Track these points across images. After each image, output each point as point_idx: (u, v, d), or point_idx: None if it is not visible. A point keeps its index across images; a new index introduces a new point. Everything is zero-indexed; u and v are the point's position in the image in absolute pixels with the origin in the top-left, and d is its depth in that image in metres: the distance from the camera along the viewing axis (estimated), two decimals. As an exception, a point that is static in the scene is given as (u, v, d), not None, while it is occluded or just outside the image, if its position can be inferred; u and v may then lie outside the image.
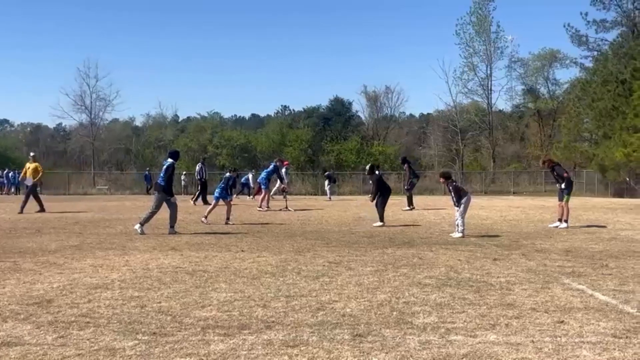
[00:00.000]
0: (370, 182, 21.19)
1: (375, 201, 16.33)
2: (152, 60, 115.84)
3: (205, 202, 25.72)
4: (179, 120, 77.71)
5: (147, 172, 45.88)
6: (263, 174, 23.51)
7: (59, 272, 8.55)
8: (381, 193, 16.26)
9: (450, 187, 13.55)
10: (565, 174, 15.84)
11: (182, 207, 21.47)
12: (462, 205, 13.21)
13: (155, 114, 71.26)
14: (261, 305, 6.42)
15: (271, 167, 23.47)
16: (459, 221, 13.25)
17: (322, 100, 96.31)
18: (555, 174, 16.10)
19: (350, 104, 65.86)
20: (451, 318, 5.87)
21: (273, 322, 5.73)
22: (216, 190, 17.41)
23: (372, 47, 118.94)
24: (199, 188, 27.38)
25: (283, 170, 30.20)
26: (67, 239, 12.73)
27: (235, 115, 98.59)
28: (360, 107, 70.95)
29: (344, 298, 6.78)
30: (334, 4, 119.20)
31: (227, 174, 17.92)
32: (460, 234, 13.11)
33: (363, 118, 69.05)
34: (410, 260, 9.64)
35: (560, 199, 15.80)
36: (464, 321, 5.75)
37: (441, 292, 7.09)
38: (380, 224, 15.74)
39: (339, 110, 64.62)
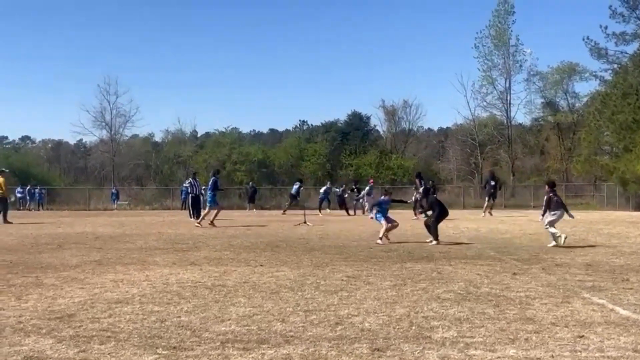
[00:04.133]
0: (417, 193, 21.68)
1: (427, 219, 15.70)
2: (172, 76, 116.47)
3: (199, 216, 25.03)
4: (198, 135, 78.14)
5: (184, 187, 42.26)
6: (208, 192, 22.53)
7: (80, 287, 8.64)
8: (432, 209, 15.58)
9: (550, 196, 14.30)
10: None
11: (192, 222, 21.60)
12: (552, 215, 14.13)
13: (174, 129, 71.63)
14: (280, 319, 6.45)
15: (211, 182, 22.77)
16: (551, 230, 14.10)
17: (340, 114, 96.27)
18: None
19: (368, 118, 65.86)
20: (470, 332, 5.85)
21: (292, 336, 5.75)
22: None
23: (390, 61, 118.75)
24: (190, 203, 26.43)
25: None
26: (88, 254, 12.85)
27: (254, 130, 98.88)
28: (378, 121, 70.88)
29: (362, 312, 6.79)
30: (352, 18, 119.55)
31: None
32: (554, 242, 13.81)
33: (381, 132, 69.08)
34: (429, 275, 9.62)
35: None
36: (483, 336, 5.73)
37: (460, 307, 7.07)
38: (434, 242, 14.76)
39: (357, 124, 64.63)
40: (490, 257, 12.02)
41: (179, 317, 6.60)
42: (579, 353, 5.16)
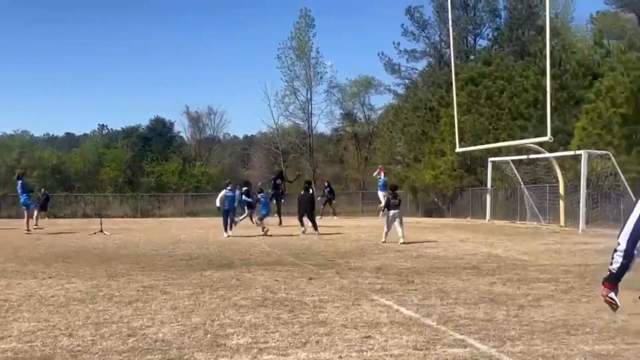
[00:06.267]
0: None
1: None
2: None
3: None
4: (-19, 138, 71.82)
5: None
6: (22, 195, 22.09)
7: None
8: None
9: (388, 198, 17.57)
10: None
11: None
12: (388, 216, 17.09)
13: (-48, 131, 65.22)
14: (67, 334, 6.11)
15: (19, 185, 22.25)
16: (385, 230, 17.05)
17: (142, 119, 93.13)
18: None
19: (172, 124, 64.76)
20: (264, 338, 5.94)
21: (79, 351, 5.48)
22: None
23: (194, 67, 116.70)
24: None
25: None
26: None
27: (48, 133, 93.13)
28: (182, 128, 69.73)
29: (157, 323, 6.63)
30: (154, 20, 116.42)
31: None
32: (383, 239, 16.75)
33: (185, 139, 68.31)
34: (228, 282, 9.64)
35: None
36: (277, 340, 5.84)
37: (256, 313, 7.16)
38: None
39: (160, 130, 63.21)
40: (289, 263, 12.30)
41: (-49, 336, 6.02)
42: (365, 352, 5.43)
